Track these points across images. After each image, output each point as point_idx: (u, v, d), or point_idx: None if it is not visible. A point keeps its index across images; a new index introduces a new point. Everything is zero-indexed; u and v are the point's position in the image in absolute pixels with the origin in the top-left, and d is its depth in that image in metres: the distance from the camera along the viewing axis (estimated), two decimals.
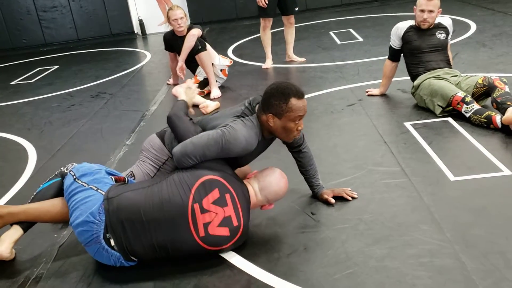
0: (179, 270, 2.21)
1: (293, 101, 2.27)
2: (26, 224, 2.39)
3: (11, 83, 6.80)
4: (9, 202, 3.10)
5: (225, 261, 2.24)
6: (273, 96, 2.30)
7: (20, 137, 4.34)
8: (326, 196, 2.63)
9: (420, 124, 3.51)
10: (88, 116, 4.75)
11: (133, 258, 2.18)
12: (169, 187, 2.21)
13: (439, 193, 2.60)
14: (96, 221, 2.12)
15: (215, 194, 2.18)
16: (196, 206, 2.14)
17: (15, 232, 2.37)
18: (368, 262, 2.12)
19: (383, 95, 4.22)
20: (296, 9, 5.65)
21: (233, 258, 2.25)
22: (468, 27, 6.47)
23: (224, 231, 2.17)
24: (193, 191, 2.17)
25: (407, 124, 3.51)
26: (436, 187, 2.67)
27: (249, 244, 2.35)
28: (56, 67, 7.57)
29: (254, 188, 2.34)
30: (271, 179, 2.36)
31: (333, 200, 2.61)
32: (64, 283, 2.23)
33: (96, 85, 6.04)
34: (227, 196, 2.20)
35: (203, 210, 2.14)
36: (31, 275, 2.31)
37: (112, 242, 2.13)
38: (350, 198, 2.63)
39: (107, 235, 2.13)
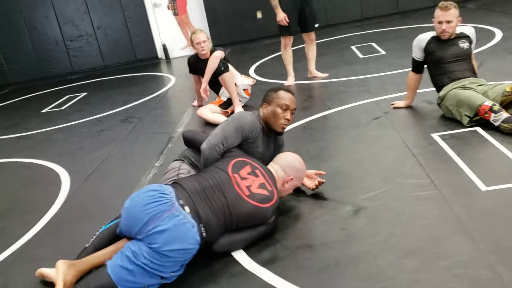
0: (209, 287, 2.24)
1: (281, 92, 2.88)
2: None
3: (42, 111, 7.01)
4: (45, 226, 3.19)
5: (256, 278, 2.26)
6: (268, 91, 2.94)
7: (53, 163, 4.46)
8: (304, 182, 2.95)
9: (447, 135, 3.48)
10: (118, 140, 4.87)
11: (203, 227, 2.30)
12: (210, 171, 2.58)
13: (470, 204, 2.58)
14: (167, 194, 2.31)
15: (247, 169, 2.60)
16: (236, 175, 2.54)
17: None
18: (401, 275, 2.11)
19: (408, 107, 4.20)
20: (316, 25, 5.70)
21: (264, 274, 2.27)
22: (493, 35, 6.40)
23: (264, 192, 2.52)
24: (229, 168, 2.57)
25: (435, 136, 3.49)
26: (467, 197, 2.64)
27: (279, 259, 2.37)
28: (84, 94, 7.78)
29: (273, 166, 2.75)
30: (284, 155, 2.84)
31: (310, 186, 2.93)
32: None
33: (124, 110, 6.18)
34: (257, 171, 2.61)
35: (242, 178, 2.54)
36: None
37: (187, 209, 2.29)
38: (313, 185, 2.92)
39: (180, 201, 2.32)
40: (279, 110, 2.83)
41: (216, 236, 2.39)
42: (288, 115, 2.85)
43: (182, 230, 2.21)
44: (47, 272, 2.48)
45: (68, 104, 7.17)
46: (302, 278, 2.20)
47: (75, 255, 2.61)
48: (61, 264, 2.32)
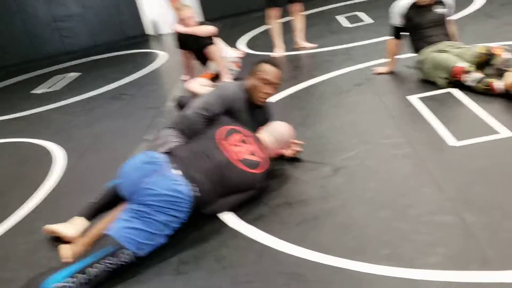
0: (200, 248, 2.41)
1: (265, 66, 2.92)
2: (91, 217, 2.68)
3: (36, 92, 7.11)
4: (44, 200, 3.35)
5: (241, 234, 2.43)
6: (255, 63, 3.01)
7: (49, 141, 4.60)
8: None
9: (425, 97, 3.62)
10: (111, 117, 5.00)
11: (196, 187, 2.41)
12: (199, 139, 2.72)
13: (441, 159, 2.74)
14: (158, 157, 2.49)
15: (238, 136, 2.71)
16: (224, 142, 2.64)
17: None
18: (374, 224, 2.28)
19: (390, 72, 4.33)
20: None
21: (248, 231, 2.44)
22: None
23: (254, 158, 2.65)
24: (217, 135, 2.67)
25: (413, 98, 3.63)
26: (439, 153, 2.81)
27: (262, 217, 2.54)
28: (76, 73, 7.85)
29: (264, 135, 2.85)
30: (277, 125, 2.94)
31: (287, 154, 3.04)
32: None
33: (116, 87, 6.28)
34: (249, 139, 2.73)
35: (232, 145, 2.64)
36: None
37: (178, 172, 2.42)
38: (290, 153, 3.02)
39: (171, 164, 2.46)
40: (260, 84, 2.89)
41: (209, 197, 2.51)
42: (268, 89, 2.91)
43: (172, 184, 2.35)
44: (54, 227, 2.66)
45: (61, 84, 7.26)
46: (283, 232, 2.37)
47: None
48: (64, 248, 2.46)
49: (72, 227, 2.62)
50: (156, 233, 2.31)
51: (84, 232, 2.60)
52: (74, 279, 2.13)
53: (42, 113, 5.83)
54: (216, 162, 2.56)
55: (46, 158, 4.19)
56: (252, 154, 2.68)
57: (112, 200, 2.64)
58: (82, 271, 2.15)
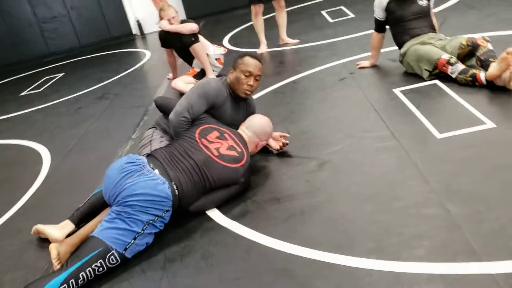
0: (187, 245, 2.40)
1: (246, 58, 2.94)
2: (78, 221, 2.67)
3: (21, 94, 7.04)
4: (28, 201, 3.32)
5: (228, 231, 2.43)
6: (236, 58, 3.01)
7: (33, 142, 4.56)
8: (269, 143, 3.10)
9: (408, 89, 3.64)
10: (96, 116, 4.96)
11: (174, 185, 2.44)
12: (178, 140, 2.75)
13: (425, 151, 2.75)
14: (139, 159, 2.50)
15: (215, 133, 2.75)
16: (203, 139, 2.69)
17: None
18: (360, 217, 2.29)
19: (373, 66, 4.35)
20: None
21: (235, 227, 2.44)
22: None
23: (233, 153, 2.67)
24: (196, 134, 2.72)
25: (396, 91, 3.65)
26: (423, 145, 2.82)
27: (248, 213, 2.54)
28: (61, 74, 7.80)
29: (243, 129, 2.89)
30: (253, 118, 2.98)
31: (275, 148, 3.09)
32: None
33: (100, 87, 6.25)
34: (225, 135, 2.76)
35: (210, 141, 2.69)
36: None
37: (157, 171, 2.46)
38: (278, 147, 3.07)
39: (151, 165, 2.50)
40: (242, 76, 2.90)
41: (189, 195, 2.52)
42: (251, 81, 2.91)
43: (152, 183, 2.36)
44: (42, 228, 2.66)
45: (46, 86, 7.20)
46: (270, 228, 2.37)
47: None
48: (52, 246, 2.45)
49: (59, 230, 2.61)
50: (140, 232, 2.31)
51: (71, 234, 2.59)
52: (65, 285, 2.15)
53: (27, 114, 5.78)
54: (195, 160, 2.57)
55: (31, 159, 4.16)
56: (231, 149, 2.69)
57: (99, 204, 2.65)
58: (73, 276, 2.16)
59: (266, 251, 2.21)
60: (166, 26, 5.03)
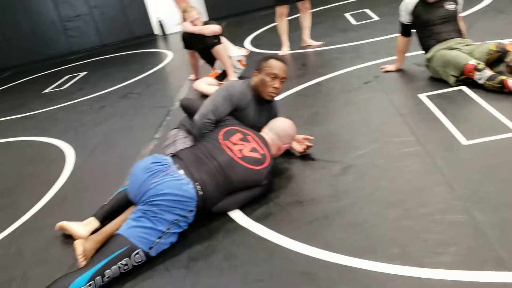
0: (210, 246, 2.41)
1: (271, 61, 2.94)
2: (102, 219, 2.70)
3: (44, 91, 7.15)
4: (53, 198, 3.37)
5: (250, 232, 2.43)
6: (260, 60, 3.01)
7: (57, 139, 4.63)
8: (293, 146, 3.10)
9: (434, 95, 3.60)
10: (118, 115, 5.01)
11: (198, 185, 2.46)
12: (202, 142, 2.77)
13: (451, 157, 2.72)
14: (164, 160, 2.53)
15: (238, 135, 2.76)
16: (226, 141, 2.70)
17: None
18: (384, 223, 2.27)
19: (398, 70, 4.31)
20: None
21: (258, 229, 2.44)
22: None
23: (256, 155, 2.68)
24: (220, 137, 2.73)
25: (422, 96, 3.61)
26: (449, 152, 2.79)
27: (271, 215, 2.54)
28: (84, 73, 7.90)
29: (266, 132, 2.89)
30: (277, 120, 2.97)
31: (299, 150, 3.08)
32: None
33: (123, 86, 6.31)
34: (248, 137, 2.77)
35: (233, 144, 2.70)
36: None
37: (182, 172, 2.48)
38: (302, 149, 3.06)
39: (176, 165, 2.52)
40: (267, 79, 2.91)
41: (213, 196, 2.54)
42: (276, 83, 2.92)
43: (177, 183, 2.38)
44: (67, 224, 2.70)
45: (69, 84, 7.30)
46: (293, 231, 2.37)
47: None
48: (78, 243, 2.48)
49: (83, 226, 2.65)
50: (165, 231, 2.33)
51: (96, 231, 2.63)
52: (92, 282, 2.17)
53: (51, 111, 5.87)
54: (219, 161, 2.59)
55: (55, 156, 4.22)
56: (254, 151, 2.69)
57: (123, 203, 2.68)
58: (99, 273, 2.18)
59: (289, 254, 2.21)
60: (189, 27, 5.06)
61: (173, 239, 2.39)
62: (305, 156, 3.11)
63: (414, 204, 2.36)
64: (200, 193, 2.45)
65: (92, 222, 2.67)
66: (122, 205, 2.67)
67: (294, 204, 2.60)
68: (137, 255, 2.26)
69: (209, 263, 2.28)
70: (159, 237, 2.31)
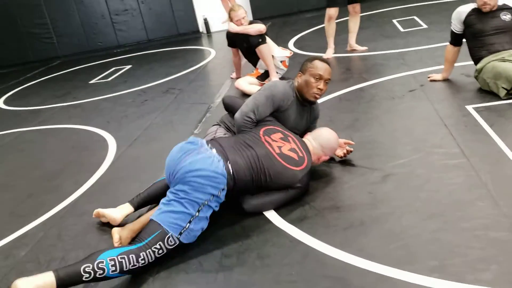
0: (244, 243, 2.41)
1: (316, 62, 2.93)
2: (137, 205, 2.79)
3: (90, 82, 7.35)
4: (94, 185, 3.46)
5: (285, 234, 2.42)
6: (304, 61, 3.01)
7: (100, 129, 4.75)
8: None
9: (482, 107, 3.49)
10: (160, 110, 5.09)
11: (229, 164, 2.48)
12: (243, 133, 2.79)
13: (497, 172, 2.63)
14: (198, 140, 2.59)
15: (279, 135, 2.75)
16: (267, 137, 2.69)
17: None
18: (422, 234, 2.22)
19: (445, 80, 4.21)
20: None
21: (292, 231, 2.43)
22: None
23: (294, 155, 2.65)
24: (261, 132, 2.73)
25: (469, 108, 3.51)
26: (495, 166, 2.70)
27: (307, 218, 2.52)
28: (129, 66, 8.07)
29: (309, 139, 2.85)
30: (322, 130, 2.93)
31: (339, 154, 3.06)
32: None
33: (166, 81, 6.41)
34: (289, 138, 2.75)
35: (273, 140, 2.68)
36: None
37: (214, 151, 2.52)
38: (342, 154, 3.04)
39: (209, 145, 2.57)
40: (312, 80, 2.89)
41: (245, 180, 2.50)
42: (321, 84, 2.90)
43: (208, 160, 2.41)
44: (102, 211, 2.79)
45: (114, 76, 7.47)
46: (328, 235, 2.34)
47: None
48: (115, 230, 2.56)
49: (118, 211, 2.74)
50: (195, 215, 2.34)
51: (130, 218, 2.72)
52: (125, 256, 2.20)
53: (96, 101, 6.02)
54: (256, 151, 2.59)
55: (98, 145, 4.33)
56: (293, 151, 2.67)
57: (159, 192, 2.74)
58: (134, 252, 2.22)
59: (323, 258, 2.19)
60: (234, 27, 5.09)
61: (204, 224, 2.39)
62: (344, 161, 3.07)
63: (455, 218, 2.29)
64: (231, 171, 2.46)
65: (126, 207, 2.75)
66: (157, 194, 2.73)
67: (331, 209, 2.57)
68: (169, 239, 2.28)
69: (242, 260, 2.28)
70: (189, 222, 2.32)
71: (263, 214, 2.63)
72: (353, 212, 2.51)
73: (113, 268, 2.17)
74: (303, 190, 2.70)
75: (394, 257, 2.10)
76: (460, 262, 1.99)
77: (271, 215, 2.61)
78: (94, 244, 2.66)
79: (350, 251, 2.19)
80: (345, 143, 3.06)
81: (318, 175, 2.96)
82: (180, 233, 2.31)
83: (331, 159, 3.11)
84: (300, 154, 2.70)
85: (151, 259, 2.26)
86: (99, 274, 2.15)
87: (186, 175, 2.36)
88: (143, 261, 2.24)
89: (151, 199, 2.79)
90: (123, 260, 2.19)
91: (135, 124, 4.77)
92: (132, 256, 2.21)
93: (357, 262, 2.12)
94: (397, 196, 2.58)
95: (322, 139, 2.85)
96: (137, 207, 2.78)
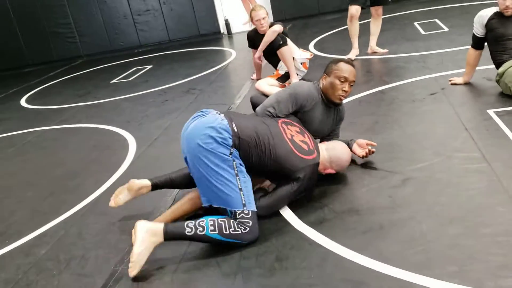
0: (262, 245, 2.42)
1: (341, 64, 2.94)
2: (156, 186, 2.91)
3: (111, 81, 7.45)
4: (115, 183, 3.51)
5: (304, 236, 2.43)
6: (329, 63, 3.02)
7: (121, 129, 4.81)
8: (354, 150, 3.07)
9: (504, 111, 3.45)
10: (180, 110, 5.14)
11: (234, 124, 2.54)
12: (262, 118, 2.81)
13: None
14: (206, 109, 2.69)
15: (296, 128, 2.79)
16: (284, 125, 2.74)
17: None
18: (442, 239, 2.20)
19: (467, 83, 4.16)
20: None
21: (311, 234, 2.43)
22: None
23: (304, 146, 2.68)
24: (280, 121, 2.78)
25: (491, 112, 3.47)
26: None
27: (325, 221, 2.52)
28: (150, 66, 8.15)
29: (322, 148, 2.84)
30: (337, 144, 2.92)
31: (360, 155, 3.03)
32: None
33: (186, 82, 6.47)
34: (305, 134, 2.80)
35: (289, 129, 2.73)
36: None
37: (222, 115, 2.60)
38: (364, 154, 3.01)
39: (217, 112, 2.65)
40: (337, 82, 2.90)
41: (248, 145, 2.52)
42: (346, 86, 2.91)
43: (212, 118, 2.55)
44: (118, 191, 2.93)
45: (135, 76, 7.56)
46: (347, 239, 2.34)
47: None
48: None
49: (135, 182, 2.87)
50: (235, 182, 2.44)
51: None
52: (225, 220, 2.40)
53: (116, 101, 6.10)
54: (269, 127, 2.65)
55: (118, 144, 4.39)
56: (304, 142, 2.70)
57: (176, 179, 2.89)
58: (231, 220, 2.41)
59: (342, 261, 2.19)
60: (256, 55, 5.23)
61: (248, 179, 2.51)
62: (364, 164, 3.06)
63: (476, 223, 2.27)
64: (235, 129, 2.52)
65: (143, 181, 2.87)
66: (174, 180, 2.88)
67: (350, 212, 2.57)
68: (241, 215, 2.41)
69: (260, 262, 2.29)
70: (240, 189, 2.44)
71: (281, 216, 2.64)
72: (372, 215, 2.50)
73: (212, 228, 2.36)
74: (307, 185, 2.66)
75: (413, 262, 2.09)
76: (481, 268, 1.98)
77: (290, 217, 2.62)
78: (114, 243, 2.70)
79: (368, 255, 2.19)
80: (367, 144, 3.05)
81: (337, 177, 2.96)
82: (244, 205, 2.42)
83: (352, 162, 3.11)
84: (311, 148, 2.71)
85: (244, 230, 2.39)
86: (200, 231, 2.36)
87: (196, 139, 2.45)
88: (239, 230, 2.38)
89: (172, 183, 2.89)
90: (222, 223, 2.37)
91: (155, 124, 4.82)
92: (232, 222, 2.39)
93: (376, 266, 2.11)
94: (417, 200, 2.57)
95: (333, 153, 2.83)
96: (154, 187, 2.88)
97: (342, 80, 2.90)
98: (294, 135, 2.70)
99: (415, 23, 7.24)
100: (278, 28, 5.04)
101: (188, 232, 2.36)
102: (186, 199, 2.75)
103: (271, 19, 6.33)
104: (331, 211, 2.61)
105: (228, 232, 2.36)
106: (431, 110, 3.76)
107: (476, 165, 2.79)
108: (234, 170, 2.45)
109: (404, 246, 2.21)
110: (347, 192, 2.80)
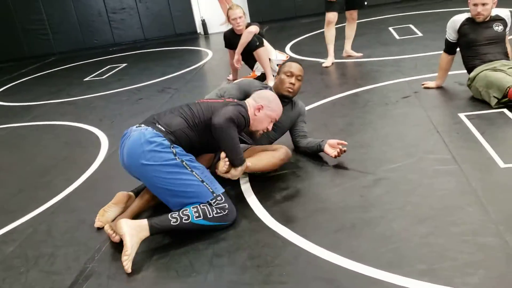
0: (235, 243, 2.41)
1: (288, 62, 3.27)
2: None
3: (85, 79, 7.34)
4: (85, 181, 3.45)
5: (276, 234, 2.43)
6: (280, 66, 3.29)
7: (93, 127, 4.74)
8: (326, 151, 3.12)
9: (474, 115, 3.53)
10: (155, 109, 5.09)
11: (160, 126, 2.59)
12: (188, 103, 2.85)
13: (487, 179, 2.66)
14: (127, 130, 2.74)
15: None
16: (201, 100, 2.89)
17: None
18: (413, 238, 2.23)
19: (439, 87, 4.25)
20: (366, 3, 5.72)
21: (284, 232, 2.44)
22: None
23: (220, 100, 2.84)
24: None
25: (461, 115, 3.55)
26: (485, 173, 2.73)
27: (298, 220, 2.53)
28: (124, 65, 8.06)
29: (248, 100, 2.89)
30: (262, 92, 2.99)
31: (332, 154, 3.05)
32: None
33: (162, 81, 6.42)
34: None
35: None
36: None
37: (143, 126, 2.63)
38: (336, 153, 3.03)
39: (136, 125, 2.68)
40: (284, 76, 3.18)
41: (181, 130, 2.60)
42: (292, 80, 3.15)
43: (136, 134, 2.57)
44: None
45: (109, 74, 7.46)
46: (319, 237, 2.35)
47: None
48: (107, 226, 2.58)
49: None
50: (192, 172, 2.50)
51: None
52: (207, 205, 2.48)
53: (90, 99, 6.01)
54: (190, 104, 2.74)
55: (90, 143, 4.32)
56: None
57: None
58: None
59: (314, 259, 2.20)
60: (235, 59, 5.22)
61: (202, 167, 2.58)
62: (336, 165, 3.09)
63: (445, 223, 2.31)
64: (163, 128, 2.57)
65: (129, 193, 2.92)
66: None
67: (322, 211, 2.59)
68: (215, 202, 2.49)
69: (233, 260, 2.28)
70: (201, 181, 2.50)
71: (255, 214, 2.64)
72: (345, 214, 2.52)
73: (197, 214, 2.43)
74: (239, 110, 2.65)
75: (384, 260, 2.12)
76: (449, 266, 2.01)
77: (263, 216, 2.62)
78: (85, 241, 2.66)
79: (341, 253, 2.20)
80: (338, 143, 3.08)
81: (309, 177, 2.98)
82: (212, 192, 2.50)
83: (324, 162, 3.13)
84: (228, 100, 2.85)
85: (224, 212, 2.48)
86: (185, 220, 2.41)
87: (138, 160, 2.50)
88: (220, 212, 2.47)
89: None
90: (205, 207, 2.45)
91: (128, 122, 4.75)
92: (214, 207, 2.46)
93: (348, 264, 2.13)
94: (389, 200, 2.60)
95: (257, 94, 2.92)
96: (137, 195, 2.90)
97: (289, 75, 3.16)
98: (210, 98, 2.91)
99: (390, 28, 7.35)
100: (254, 29, 5.05)
101: (173, 222, 2.40)
102: (139, 198, 2.81)
103: (248, 21, 6.35)
104: (304, 210, 2.62)
105: (212, 216, 2.45)
106: (403, 113, 3.82)
107: (447, 167, 2.84)
108: (187, 168, 2.50)
109: (375, 245, 2.24)
110: (320, 191, 2.82)
